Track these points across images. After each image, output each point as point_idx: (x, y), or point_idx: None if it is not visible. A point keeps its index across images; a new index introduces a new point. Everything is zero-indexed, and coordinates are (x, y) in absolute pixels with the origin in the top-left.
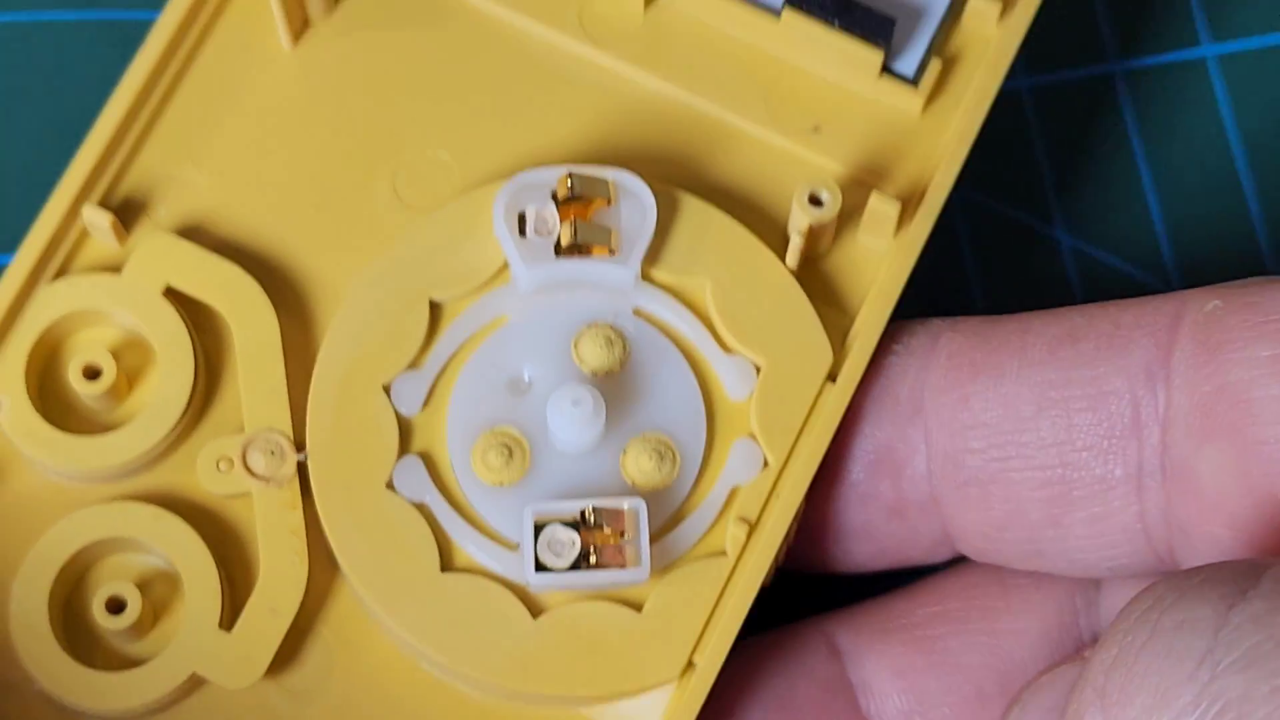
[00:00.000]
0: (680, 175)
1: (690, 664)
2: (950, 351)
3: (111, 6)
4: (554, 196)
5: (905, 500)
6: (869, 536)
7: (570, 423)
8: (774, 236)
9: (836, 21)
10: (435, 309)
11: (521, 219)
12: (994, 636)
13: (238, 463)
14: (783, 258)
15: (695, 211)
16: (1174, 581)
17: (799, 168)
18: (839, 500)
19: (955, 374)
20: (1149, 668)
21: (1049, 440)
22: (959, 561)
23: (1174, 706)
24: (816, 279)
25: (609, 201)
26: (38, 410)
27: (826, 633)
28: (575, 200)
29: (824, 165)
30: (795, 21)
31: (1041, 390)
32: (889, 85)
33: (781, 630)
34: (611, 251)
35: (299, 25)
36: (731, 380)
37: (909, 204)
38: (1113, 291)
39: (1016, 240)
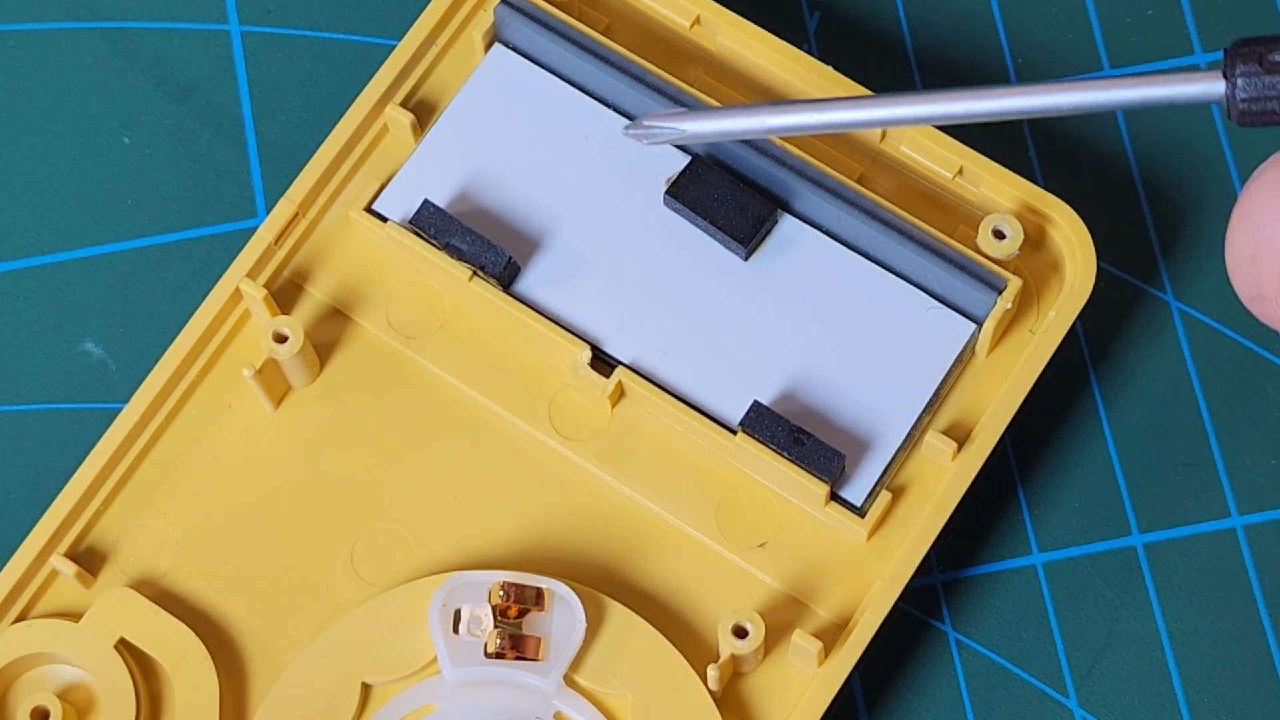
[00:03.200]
0: (623, 574)
1: None
2: None
3: (113, 17)
4: (490, 596)
5: None
6: None
7: None
8: (705, 649)
9: (785, 454)
10: (366, 691)
11: (457, 616)
12: None
13: None
14: (705, 677)
15: (623, 623)
16: None
17: (740, 581)
18: None
19: None
20: None
21: None
22: None
23: None
24: (738, 697)
25: (543, 608)
26: None
27: None
28: (509, 604)
29: (763, 581)
30: (748, 444)
31: None
32: (836, 512)
33: None
34: (538, 659)
35: (281, 393)
36: None
37: (839, 629)
38: None
39: None
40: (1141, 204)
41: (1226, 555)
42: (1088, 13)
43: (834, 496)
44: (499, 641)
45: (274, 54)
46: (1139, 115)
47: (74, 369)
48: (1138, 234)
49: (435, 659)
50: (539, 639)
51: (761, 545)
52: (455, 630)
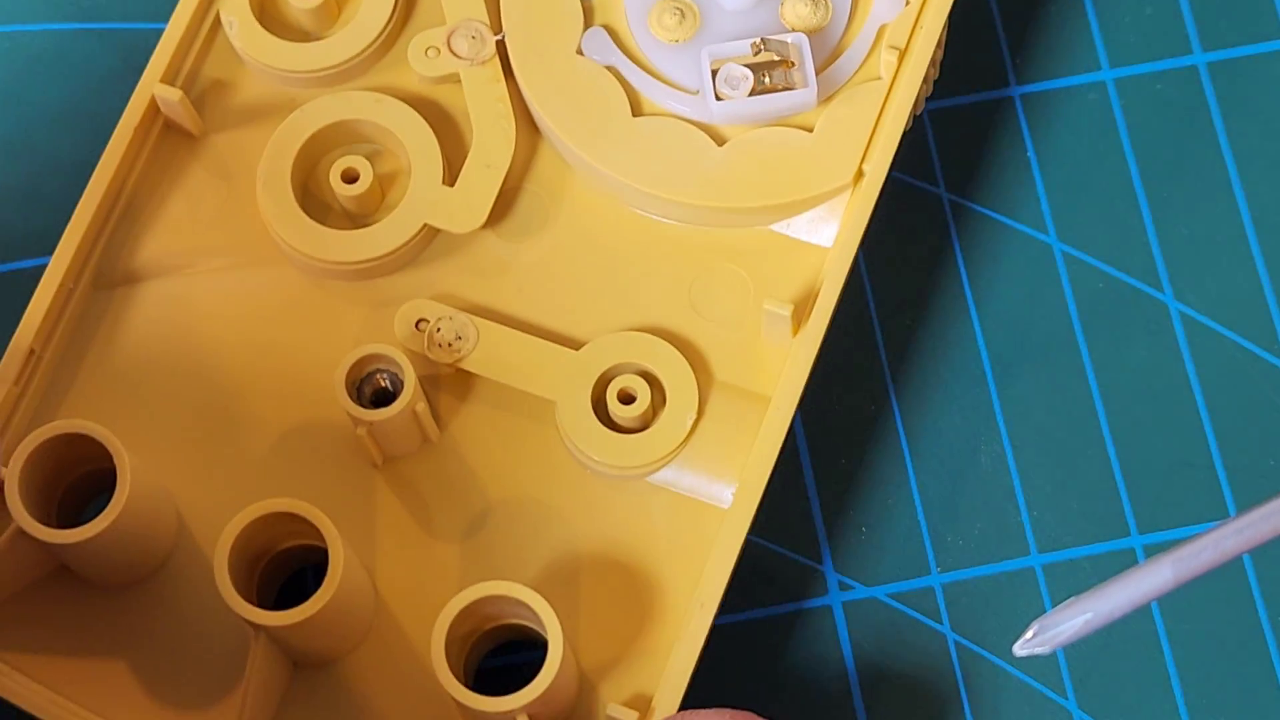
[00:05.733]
0: None
1: (860, 172)
2: None
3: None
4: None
5: None
6: None
7: None
8: None
9: None
10: None
11: None
12: None
13: (444, 49)
14: None
15: None
16: None
17: None
18: None
19: None
20: None
21: None
22: None
23: None
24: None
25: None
26: (264, 27)
27: None
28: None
29: None
30: None
31: None
32: None
33: None
34: None
35: None
36: None
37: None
38: None
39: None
40: (1140, 204)
41: None
42: (1085, 12)
43: None
44: None
45: None
46: (1137, 117)
47: None
48: (1137, 234)
49: None
50: None
51: None
52: None
